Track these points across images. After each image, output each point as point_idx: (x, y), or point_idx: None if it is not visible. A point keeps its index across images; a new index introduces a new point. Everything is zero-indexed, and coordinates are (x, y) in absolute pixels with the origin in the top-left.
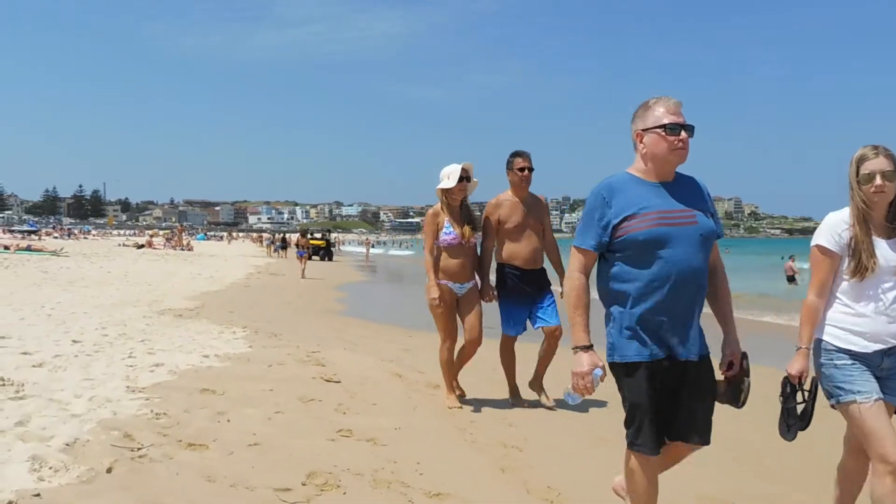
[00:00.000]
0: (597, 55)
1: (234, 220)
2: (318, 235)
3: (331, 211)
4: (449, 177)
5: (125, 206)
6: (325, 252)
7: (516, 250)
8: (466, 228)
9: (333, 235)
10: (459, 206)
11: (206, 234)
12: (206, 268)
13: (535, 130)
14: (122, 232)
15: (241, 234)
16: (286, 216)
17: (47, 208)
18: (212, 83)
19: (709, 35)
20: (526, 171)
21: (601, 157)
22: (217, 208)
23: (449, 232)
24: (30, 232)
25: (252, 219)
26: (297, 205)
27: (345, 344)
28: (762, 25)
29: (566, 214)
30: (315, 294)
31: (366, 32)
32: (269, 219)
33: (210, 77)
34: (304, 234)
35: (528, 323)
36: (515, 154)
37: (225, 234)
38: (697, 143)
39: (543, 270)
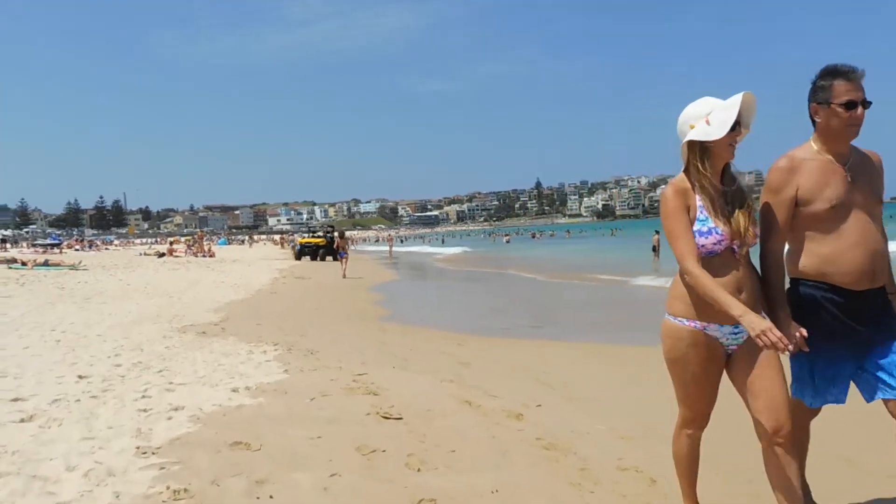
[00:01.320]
0: (606, 37)
1: (253, 223)
2: (321, 233)
3: (349, 209)
4: (710, 119)
5: (146, 214)
6: (326, 251)
7: (833, 254)
8: (741, 218)
9: (348, 233)
10: (721, 175)
11: (227, 239)
12: (229, 274)
13: (549, 117)
14: (143, 241)
15: (262, 237)
16: (305, 216)
17: (70, 221)
18: (222, 88)
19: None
20: (858, 109)
21: (617, 140)
22: (237, 212)
23: (708, 228)
24: (52, 245)
25: (271, 220)
26: (315, 204)
27: (393, 360)
28: None
29: (585, 199)
30: (349, 297)
31: (373, 28)
32: (288, 220)
33: (220, 82)
34: (342, 235)
35: (855, 386)
36: (834, 73)
37: (246, 237)
38: None
39: (883, 291)
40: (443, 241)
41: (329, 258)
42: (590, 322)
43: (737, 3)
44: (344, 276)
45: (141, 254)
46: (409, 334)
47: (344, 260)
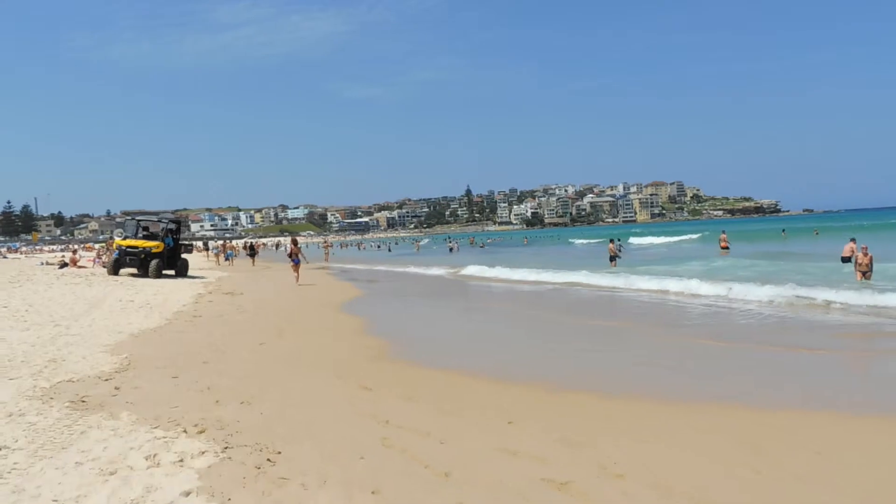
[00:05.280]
0: (533, 46)
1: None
2: (152, 231)
3: (276, 214)
4: None
5: (59, 220)
6: (163, 260)
7: None
8: None
9: (255, 241)
10: None
11: None
12: (140, 290)
13: (477, 125)
14: (53, 248)
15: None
16: (230, 222)
17: None
18: (142, 91)
19: (646, 21)
20: None
21: (543, 149)
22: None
23: None
24: None
25: (194, 227)
26: (240, 210)
27: (421, 474)
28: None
29: (514, 207)
30: (311, 321)
31: (301, 33)
32: (212, 226)
33: (140, 85)
34: (295, 242)
35: None
36: None
37: None
38: (640, 130)
39: None
40: (389, 249)
41: (170, 272)
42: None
43: (661, 12)
44: (297, 283)
45: (42, 263)
46: (428, 391)
47: (296, 267)
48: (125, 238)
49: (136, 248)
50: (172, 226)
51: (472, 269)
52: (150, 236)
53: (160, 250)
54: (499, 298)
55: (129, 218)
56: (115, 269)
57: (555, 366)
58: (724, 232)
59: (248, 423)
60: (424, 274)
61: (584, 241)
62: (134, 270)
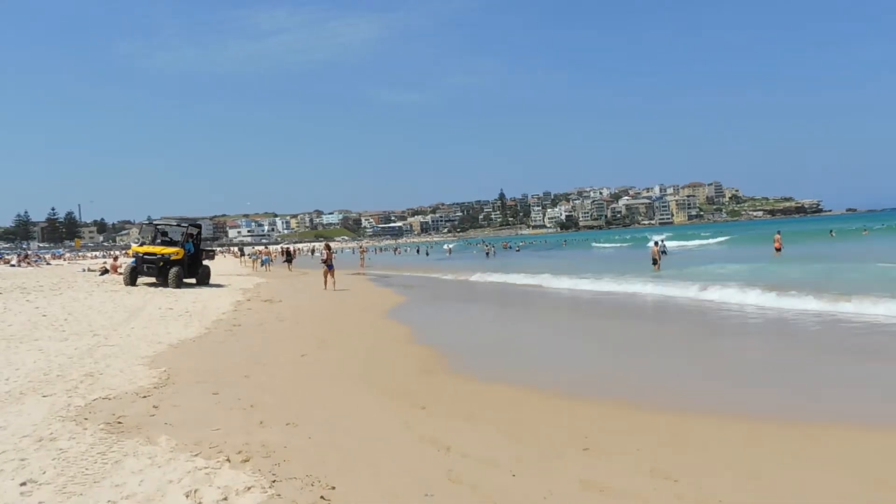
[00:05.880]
0: (566, 47)
1: (213, 235)
2: (171, 237)
3: (311, 220)
4: None
5: (101, 226)
6: (184, 268)
7: None
8: None
9: (292, 247)
10: None
11: None
12: (180, 297)
13: (510, 128)
14: (95, 254)
15: (219, 250)
16: (266, 228)
17: (20, 233)
18: (184, 97)
19: (687, 21)
20: None
21: (577, 152)
22: None
23: None
24: None
25: (232, 232)
26: (276, 216)
27: None
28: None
29: (548, 210)
30: (356, 331)
31: (339, 39)
32: (248, 231)
33: (183, 91)
34: (328, 247)
35: None
36: None
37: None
38: (677, 131)
39: None
40: (427, 253)
41: (191, 280)
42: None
43: (700, 12)
44: (326, 288)
45: (84, 269)
46: (488, 412)
47: (331, 272)
48: (142, 244)
49: (154, 254)
50: (193, 230)
51: (513, 276)
52: (170, 242)
53: (180, 257)
54: (550, 305)
55: (147, 223)
56: (131, 279)
57: (628, 380)
58: (778, 233)
59: (295, 450)
60: (467, 280)
61: (605, 245)
62: (152, 279)
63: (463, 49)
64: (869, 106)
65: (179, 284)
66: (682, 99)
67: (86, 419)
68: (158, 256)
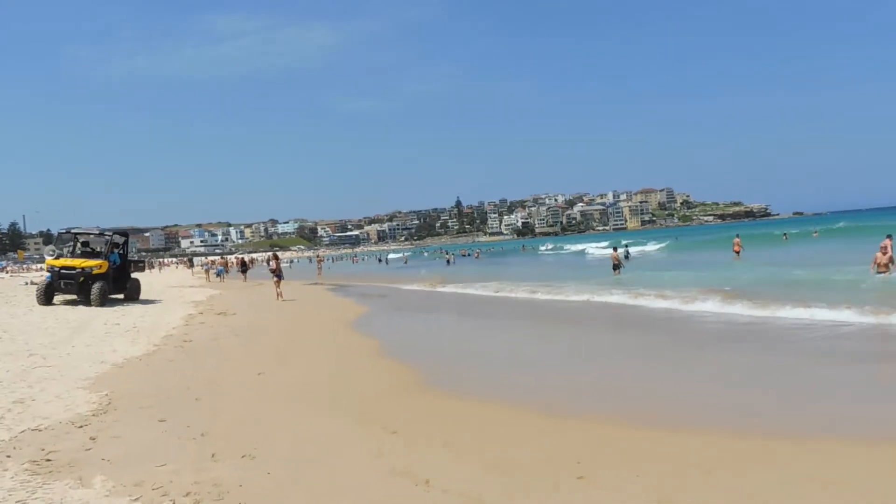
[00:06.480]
0: (530, 56)
1: (165, 246)
2: (94, 247)
3: (266, 229)
4: None
5: (47, 237)
6: (108, 283)
7: None
8: None
9: (247, 257)
10: None
11: None
12: (128, 312)
13: (466, 136)
14: (41, 266)
15: (171, 260)
16: (220, 237)
17: None
18: (136, 104)
19: (641, 29)
20: None
21: (533, 160)
22: (146, 234)
23: None
24: None
25: (185, 242)
26: (230, 225)
27: None
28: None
29: (504, 217)
30: (313, 342)
31: (296, 45)
32: (202, 241)
33: (134, 98)
34: (275, 256)
35: None
36: None
37: (157, 261)
38: (630, 138)
39: None
40: (387, 262)
41: (119, 296)
42: None
43: (644, 21)
44: (278, 299)
45: (27, 283)
46: (468, 435)
47: (278, 282)
48: (58, 257)
49: (72, 268)
50: (119, 239)
51: (478, 285)
52: (91, 254)
53: (104, 270)
54: (520, 314)
55: (64, 231)
56: (46, 298)
57: (611, 392)
58: (738, 236)
59: (253, 489)
60: (433, 290)
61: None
62: (72, 297)
63: (420, 56)
64: (815, 112)
65: (104, 302)
66: (633, 106)
67: (8, 457)
68: (78, 270)
